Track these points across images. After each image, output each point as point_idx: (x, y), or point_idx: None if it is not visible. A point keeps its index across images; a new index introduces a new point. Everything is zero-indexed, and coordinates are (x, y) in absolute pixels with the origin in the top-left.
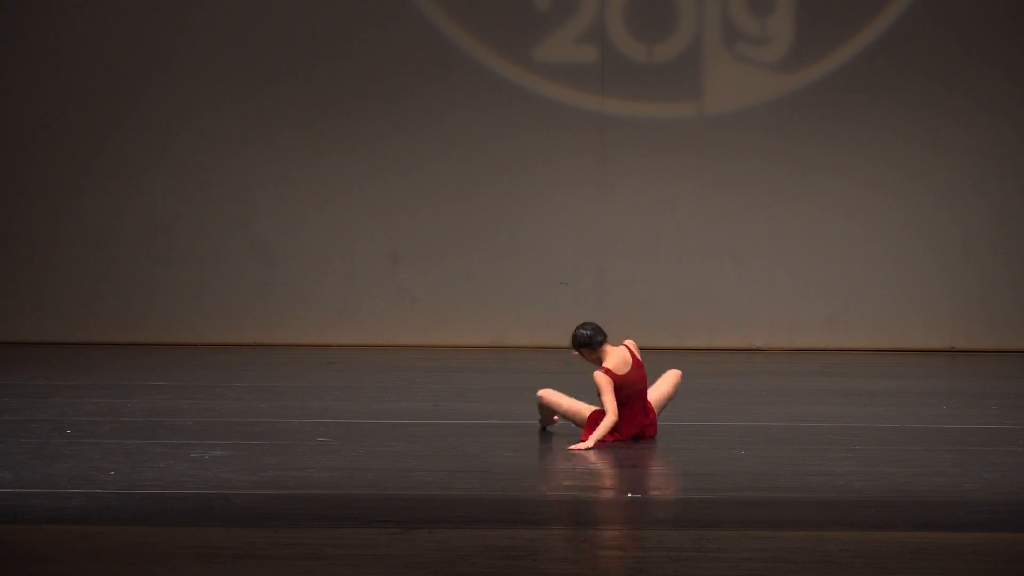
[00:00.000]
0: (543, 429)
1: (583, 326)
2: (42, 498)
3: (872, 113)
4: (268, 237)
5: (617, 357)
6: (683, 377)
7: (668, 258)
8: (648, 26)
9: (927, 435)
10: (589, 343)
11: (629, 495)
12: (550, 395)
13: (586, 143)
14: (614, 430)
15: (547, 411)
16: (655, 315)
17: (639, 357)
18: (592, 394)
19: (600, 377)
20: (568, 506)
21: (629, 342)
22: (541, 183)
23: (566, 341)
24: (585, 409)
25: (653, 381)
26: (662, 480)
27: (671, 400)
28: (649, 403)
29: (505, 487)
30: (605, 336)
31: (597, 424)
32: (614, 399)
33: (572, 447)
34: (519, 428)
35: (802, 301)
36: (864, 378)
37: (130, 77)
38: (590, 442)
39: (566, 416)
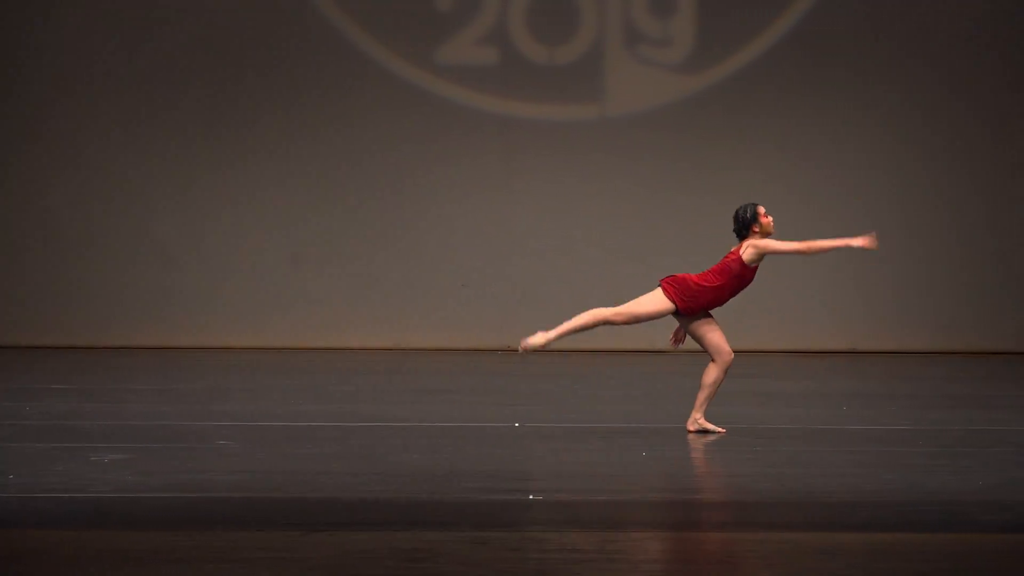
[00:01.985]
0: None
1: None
2: None
3: (777, 110)
4: (171, 241)
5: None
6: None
7: (572, 260)
8: (550, 28)
9: (829, 436)
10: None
11: (531, 497)
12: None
13: (489, 145)
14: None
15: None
16: (559, 317)
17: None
18: None
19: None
20: (471, 508)
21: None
22: (444, 185)
23: (470, 343)
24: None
25: None
26: (564, 482)
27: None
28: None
29: (407, 489)
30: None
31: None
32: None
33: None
34: (421, 430)
35: None
36: (767, 379)
37: (32, 86)
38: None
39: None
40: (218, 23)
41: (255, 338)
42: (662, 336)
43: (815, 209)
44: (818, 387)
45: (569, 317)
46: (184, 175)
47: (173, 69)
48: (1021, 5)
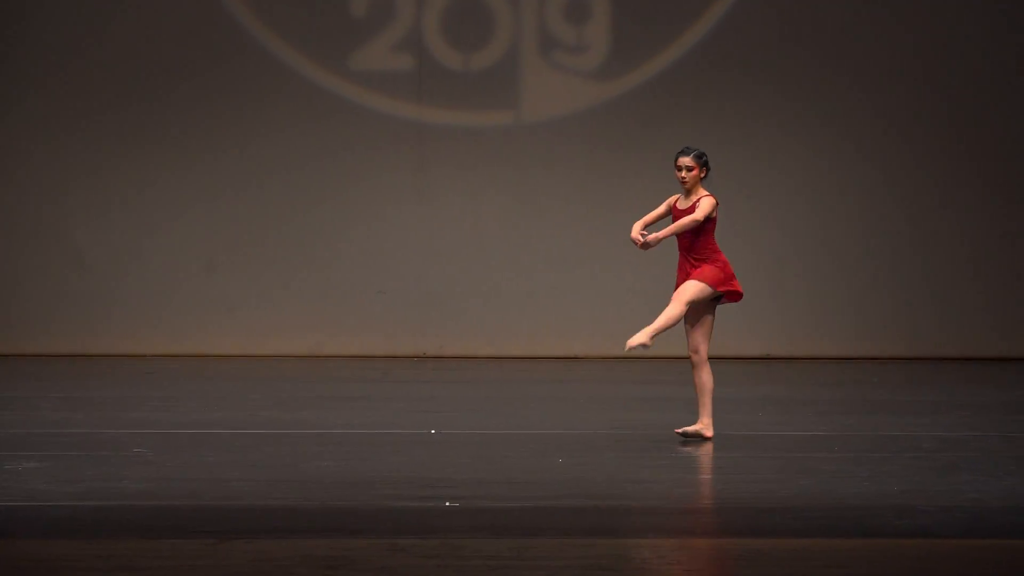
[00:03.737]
0: None
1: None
2: None
3: (691, 119)
4: (86, 248)
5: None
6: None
7: (488, 267)
8: (465, 34)
9: (744, 442)
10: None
11: (448, 503)
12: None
13: (403, 152)
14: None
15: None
16: (476, 324)
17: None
18: None
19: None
20: (387, 515)
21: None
22: (359, 192)
23: (387, 350)
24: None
25: None
26: (481, 488)
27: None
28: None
29: (323, 497)
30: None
31: None
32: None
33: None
34: (337, 437)
35: (621, 309)
36: (681, 385)
37: None
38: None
39: None
40: (134, 34)
41: (171, 346)
42: (579, 343)
43: (728, 217)
44: (733, 393)
45: (481, 325)
46: (101, 182)
47: (91, 77)
48: (931, 12)
